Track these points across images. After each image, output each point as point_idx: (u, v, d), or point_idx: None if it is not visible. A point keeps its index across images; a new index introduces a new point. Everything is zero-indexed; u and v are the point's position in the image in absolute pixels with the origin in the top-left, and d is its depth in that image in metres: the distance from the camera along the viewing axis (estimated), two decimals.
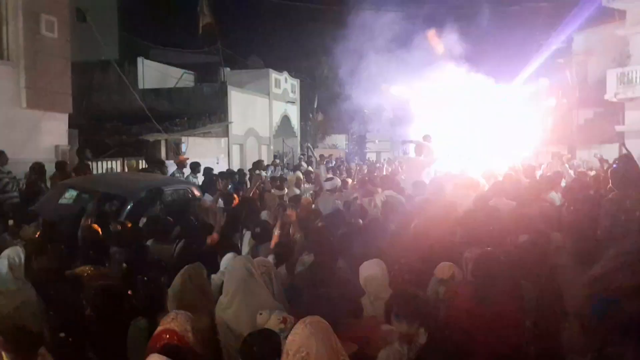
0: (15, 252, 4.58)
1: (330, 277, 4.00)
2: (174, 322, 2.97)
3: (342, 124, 27.02)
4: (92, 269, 4.25)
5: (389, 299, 3.26)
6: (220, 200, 7.59)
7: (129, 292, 3.81)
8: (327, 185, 10.05)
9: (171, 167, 11.97)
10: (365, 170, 15.33)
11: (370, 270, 3.73)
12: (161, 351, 2.74)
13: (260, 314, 3.17)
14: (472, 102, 15.23)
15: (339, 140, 28.00)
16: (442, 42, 15.75)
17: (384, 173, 14.09)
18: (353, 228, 5.81)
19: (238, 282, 3.50)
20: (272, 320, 3.06)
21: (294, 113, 23.88)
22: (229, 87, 18.27)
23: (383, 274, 3.74)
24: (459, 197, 7.02)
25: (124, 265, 4.65)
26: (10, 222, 6.20)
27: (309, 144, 24.66)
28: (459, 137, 13.94)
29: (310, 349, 2.52)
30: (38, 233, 5.67)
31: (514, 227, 5.19)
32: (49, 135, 11.25)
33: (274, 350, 2.61)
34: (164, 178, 9.98)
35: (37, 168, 9.52)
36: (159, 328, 2.99)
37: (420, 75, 14.65)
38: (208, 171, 11.61)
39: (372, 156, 23.59)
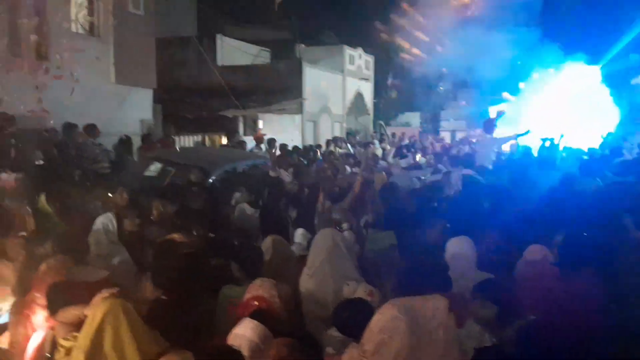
0: (108, 219, 4.94)
1: (415, 250, 3.98)
2: (261, 289, 3.07)
3: (416, 102, 26.54)
4: (181, 235, 4.44)
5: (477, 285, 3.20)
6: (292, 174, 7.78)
7: (213, 259, 3.98)
8: (403, 163, 10.03)
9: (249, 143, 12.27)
10: (439, 149, 15.02)
11: (458, 248, 3.68)
12: (251, 317, 2.83)
13: (347, 284, 3.21)
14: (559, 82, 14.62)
15: (413, 118, 27.52)
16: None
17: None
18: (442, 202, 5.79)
19: (324, 252, 3.58)
20: (359, 292, 3.10)
21: (367, 90, 23.66)
22: (304, 64, 18.33)
23: (471, 253, 3.68)
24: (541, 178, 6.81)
25: (210, 234, 4.83)
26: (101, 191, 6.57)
27: (381, 122, 24.41)
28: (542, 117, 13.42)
29: (393, 332, 2.49)
30: (126, 201, 6.01)
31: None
32: (135, 109, 11.76)
33: (365, 322, 2.63)
34: (243, 153, 10.27)
35: (125, 141, 10.03)
36: (247, 295, 3.08)
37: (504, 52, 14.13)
38: (283, 147, 11.82)
39: (446, 135, 23.01)
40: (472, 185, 6.62)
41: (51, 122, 9.51)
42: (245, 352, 2.53)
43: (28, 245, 4.06)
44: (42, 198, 5.67)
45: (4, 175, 6.18)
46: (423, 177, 8.35)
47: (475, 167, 8.37)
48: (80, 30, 11.15)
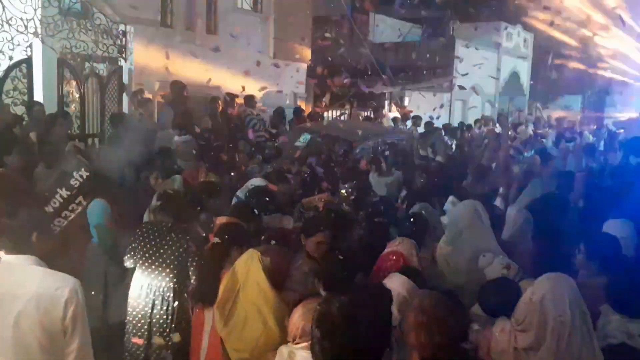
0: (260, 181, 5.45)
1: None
2: (400, 246, 3.24)
3: (577, 85, 24.54)
4: (328, 196, 4.79)
5: None
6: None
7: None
8: (570, 147, 9.79)
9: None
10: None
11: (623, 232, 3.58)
12: (390, 269, 3.01)
13: (484, 255, 3.26)
14: None
15: (573, 102, 25.56)
16: None
17: None
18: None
19: (465, 222, 3.66)
20: (495, 265, 3.14)
21: (524, 70, 22.40)
22: (456, 41, 17.86)
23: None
24: None
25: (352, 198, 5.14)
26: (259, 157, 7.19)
27: (538, 104, 23.00)
28: None
29: (551, 304, 2.53)
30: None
31: None
32: (289, 83, 12.40)
33: (513, 302, 2.66)
34: (387, 128, 10.47)
35: (279, 112, 10.71)
36: (387, 250, 3.27)
37: None
38: (428, 124, 11.78)
39: (609, 122, 21.02)
40: None
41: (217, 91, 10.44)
42: (394, 304, 2.65)
43: None
44: None
45: (177, 138, 7.01)
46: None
47: None
48: (245, 6, 11.98)
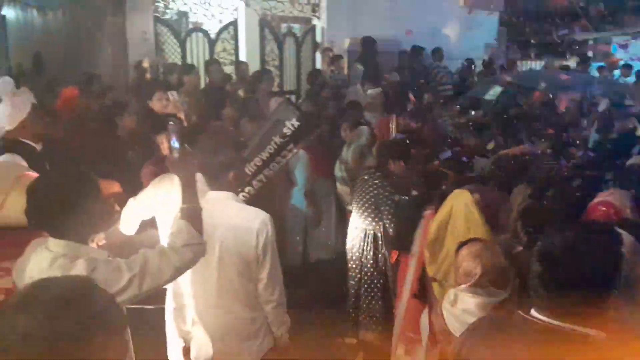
0: None
1: None
2: (612, 196, 3.00)
3: None
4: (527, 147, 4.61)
5: None
6: None
7: None
8: None
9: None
10: None
11: None
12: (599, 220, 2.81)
13: None
14: None
15: None
16: None
17: None
18: None
19: None
20: None
21: None
22: None
23: None
24: None
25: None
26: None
27: None
28: None
29: None
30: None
31: None
32: (480, 33, 11.80)
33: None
34: (592, 77, 9.58)
35: (469, 64, 10.34)
36: (596, 199, 3.05)
37: None
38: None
39: None
40: None
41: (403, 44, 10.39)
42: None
43: None
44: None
45: (370, 91, 7.19)
46: None
47: None
48: None
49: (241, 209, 2.67)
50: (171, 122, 3.28)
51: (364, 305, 4.14)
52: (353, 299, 4.23)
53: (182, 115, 5.23)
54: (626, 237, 2.56)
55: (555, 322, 1.56)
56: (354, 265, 4.21)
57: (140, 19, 8.35)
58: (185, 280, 2.67)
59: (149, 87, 6.47)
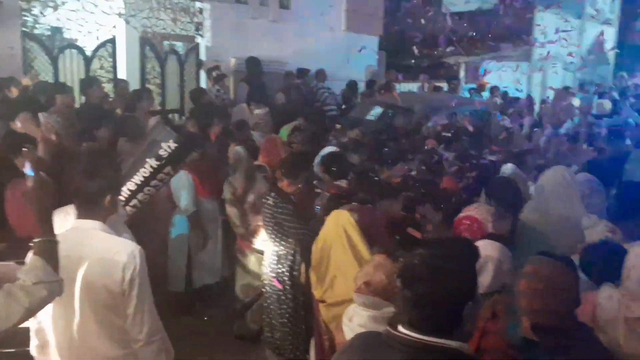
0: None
1: None
2: (475, 211, 3.21)
3: None
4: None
5: None
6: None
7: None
8: None
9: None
10: None
11: None
12: (461, 234, 3.01)
13: (589, 217, 3.19)
14: None
15: None
16: None
17: None
18: None
19: (553, 187, 3.59)
20: (600, 228, 3.05)
21: (609, 36, 21.01)
22: (536, 8, 16.99)
23: None
24: None
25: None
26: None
27: (623, 73, 21.56)
28: None
29: None
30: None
31: None
32: (361, 56, 12.26)
33: (619, 267, 2.57)
34: (460, 98, 10.29)
35: (351, 86, 10.68)
36: (461, 215, 3.25)
37: None
38: (505, 95, 11.44)
39: None
40: None
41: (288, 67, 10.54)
42: (490, 271, 2.58)
43: None
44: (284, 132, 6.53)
45: (257, 111, 7.18)
46: None
47: None
48: None
49: (108, 239, 2.47)
50: (25, 148, 3.02)
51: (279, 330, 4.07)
52: (267, 328, 4.17)
53: (53, 137, 4.89)
54: (501, 247, 2.72)
55: (419, 337, 1.61)
56: (269, 289, 4.15)
57: (6, 33, 7.75)
58: (47, 316, 2.46)
59: (15, 106, 5.97)
